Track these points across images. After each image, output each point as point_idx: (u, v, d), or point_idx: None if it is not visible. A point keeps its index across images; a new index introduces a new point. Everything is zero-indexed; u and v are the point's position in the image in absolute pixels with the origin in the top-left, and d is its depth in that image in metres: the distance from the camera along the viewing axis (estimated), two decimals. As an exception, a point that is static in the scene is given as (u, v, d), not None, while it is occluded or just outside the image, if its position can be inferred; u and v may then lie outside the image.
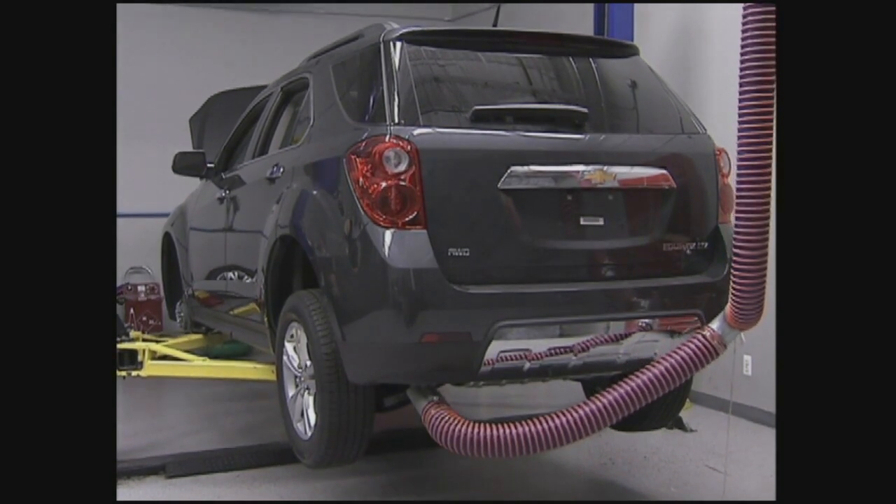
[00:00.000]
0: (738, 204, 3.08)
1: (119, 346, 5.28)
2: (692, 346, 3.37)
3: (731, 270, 3.17)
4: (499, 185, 3.70)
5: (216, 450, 5.47)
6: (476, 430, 3.53)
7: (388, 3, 9.15)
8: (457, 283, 3.59)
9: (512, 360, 3.68)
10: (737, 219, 3.08)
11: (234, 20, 9.67)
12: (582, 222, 3.86)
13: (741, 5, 2.95)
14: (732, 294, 3.20)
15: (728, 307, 3.28)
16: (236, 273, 5.21)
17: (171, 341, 6.24)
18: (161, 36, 9.28)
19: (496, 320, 3.60)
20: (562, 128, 3.96)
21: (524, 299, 3.71)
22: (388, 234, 3.59)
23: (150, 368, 5.38)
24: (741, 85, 2.97)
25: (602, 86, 4.33)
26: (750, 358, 5.97)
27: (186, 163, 5.86)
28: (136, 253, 8.65)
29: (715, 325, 3.38)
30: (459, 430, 3.56)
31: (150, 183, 8.13)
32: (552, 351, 3.73)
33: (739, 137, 3.01)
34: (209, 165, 5.87)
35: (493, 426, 3.51)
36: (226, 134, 5.92)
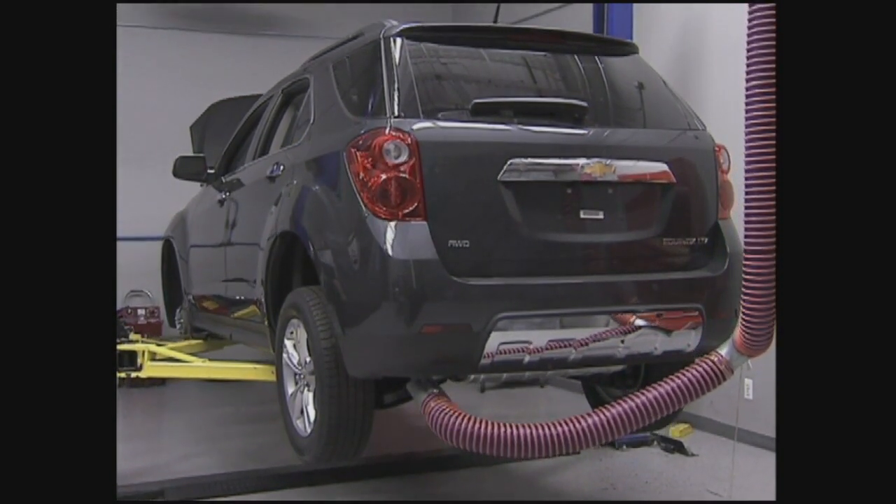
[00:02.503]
0: (746, 230, 3.03)
1: (119, 347, 5.25)
2: (700, 369, 3.35)
3: (741, 297, 3.12)
4: (499, 178, 3.72)
5: (216, 474, 5.36)
6: (477, 425, 3.49)
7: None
8: (457, 274, 3.59)
9: (512, 352, 3.66)
10: (746, 244, 3.05)
11: (236, 44, 9.69)
12: (582, 216, 3.87)
13: (744, 5, 2.94)
14: (742, 321, 3.16)
15: (737, 333, 3.25)
16: (237, 274, 5.19)
17: (170, 345, 6.19)
18: (162, 61, 9.30)
19: (496, 312, 3.59)
20: (561, 122, 3.99)
21: (524, 292, 3.70)
22: (388, 227, 3.60)
23: (150, 369, 5.36)
24: (747, 88, 2.95)
25: (602, 82, 4.37)
26: (751, 382, 5.92)
27: (187, 167, 5.87)
28: (135, 277, 8.61)
29: (724, 350, 3.36)
30: (460, 424, 3.52)
31: (149, 207, 8.14)
32: (552, 344, 3.72)
33: (747, 182, 2.99)
34: (210, 170, 5.89)
35: (495, 423, 3.48)
36: (226, 141, 5.93)
